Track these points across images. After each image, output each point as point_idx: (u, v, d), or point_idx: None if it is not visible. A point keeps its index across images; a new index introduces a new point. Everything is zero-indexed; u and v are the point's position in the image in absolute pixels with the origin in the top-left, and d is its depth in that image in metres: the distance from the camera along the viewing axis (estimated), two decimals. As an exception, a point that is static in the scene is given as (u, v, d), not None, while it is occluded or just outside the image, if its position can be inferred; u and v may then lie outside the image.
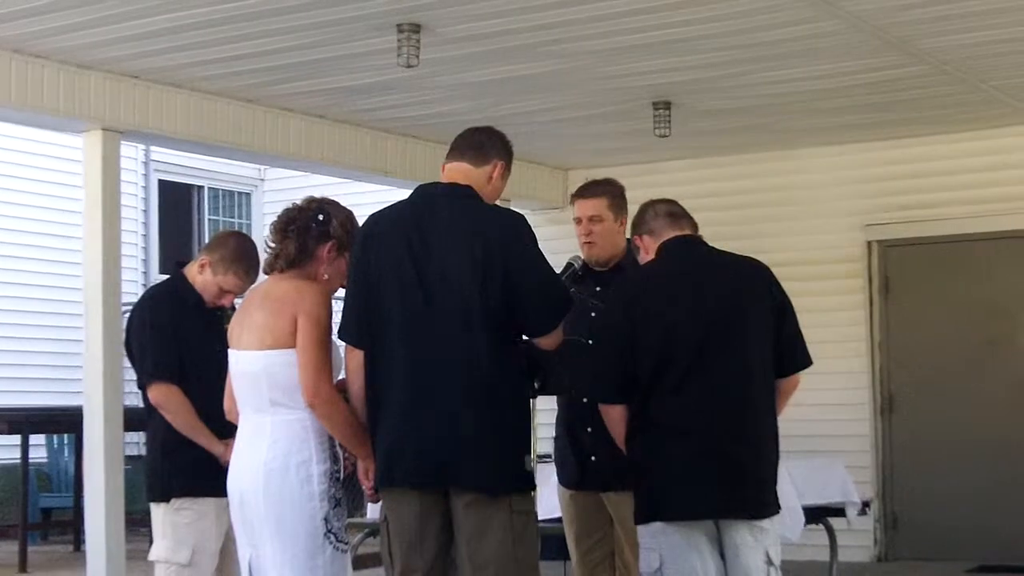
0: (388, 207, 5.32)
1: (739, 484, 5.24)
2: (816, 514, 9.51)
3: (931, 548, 11.55)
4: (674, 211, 5.60)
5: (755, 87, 9.89)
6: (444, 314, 4.99)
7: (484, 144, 5.26)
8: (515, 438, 5.06)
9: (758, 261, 5.56)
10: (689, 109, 10.41)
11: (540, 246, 5.12)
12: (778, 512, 5.37)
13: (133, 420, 6.63)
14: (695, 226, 5.62)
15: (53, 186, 14.44)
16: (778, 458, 5.39)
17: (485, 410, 4.97)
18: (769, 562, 5.29)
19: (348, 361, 5.15)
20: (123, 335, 6.94)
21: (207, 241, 6.54)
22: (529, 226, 5.14)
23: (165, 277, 6.64)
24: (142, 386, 6.20)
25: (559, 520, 6.46)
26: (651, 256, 5.57)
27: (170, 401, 6.06)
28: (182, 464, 6.05)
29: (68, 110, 9.00)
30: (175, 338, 6.09)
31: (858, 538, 11.40)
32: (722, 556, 5.25)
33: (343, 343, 5.19)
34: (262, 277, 5.53)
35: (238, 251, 6.19)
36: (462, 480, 4.97)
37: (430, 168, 5.41)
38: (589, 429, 5.90)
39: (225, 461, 5.82)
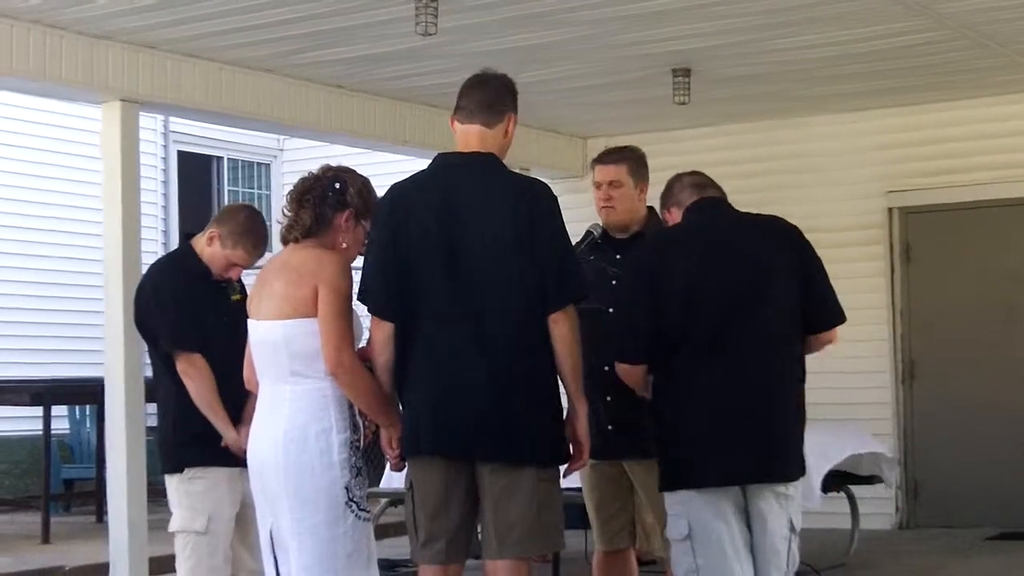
0: (410, 177, 5.29)
1: (767, 449, 5.23)
2: (837, 480, 9.51)
3: (952, 515, 11.54)
4: (699, 181, 5.59)
5: (776, 53, 9.84)
6: (474, 285, 4.99)
7: (495, 102, 5.21)
8: (544, 408, 5.05)
9: (784, 220, 5.53)
10: (709, 76, 10.37)
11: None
12: (803, 475, 5.36)
13: (153, 390, 6.63)
14: (722, 194, 5.60)
15: (73, 158, 14.45)
16: (804, 421, 5.38)
17: (514, 380, 4.97)
18: (792, 528, 5.30)
19: (375, 333, 5.14)
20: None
21: (217, 212, 6.51)
22: (556, 199, 5.12)
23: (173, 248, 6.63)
24: (164, 356, 6.20)
25: (578, 489, 6.46)
26: None
27: (199, 371, 6.07)
28: (193, 434, 6.06)
29: (86, 81, 9.00)
30: (187, 307, 6.08)
31: (879, 506, 11.41)
32: (747, 523, 5.25)
33: (363, 311, 5.17)
34: (276, 249, 5.51)
35: (247, 225, 6.18)
36: (490, 451, 4.98)
37: (448, 137, 5.36)
38: (608, 398, 5.89)
39: (236, 448, 5.83)
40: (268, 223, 6.31)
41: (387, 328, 5.10)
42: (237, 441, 5.84)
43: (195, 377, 6.06)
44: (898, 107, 11.74)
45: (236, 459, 5.50)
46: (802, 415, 5.38)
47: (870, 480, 9.97)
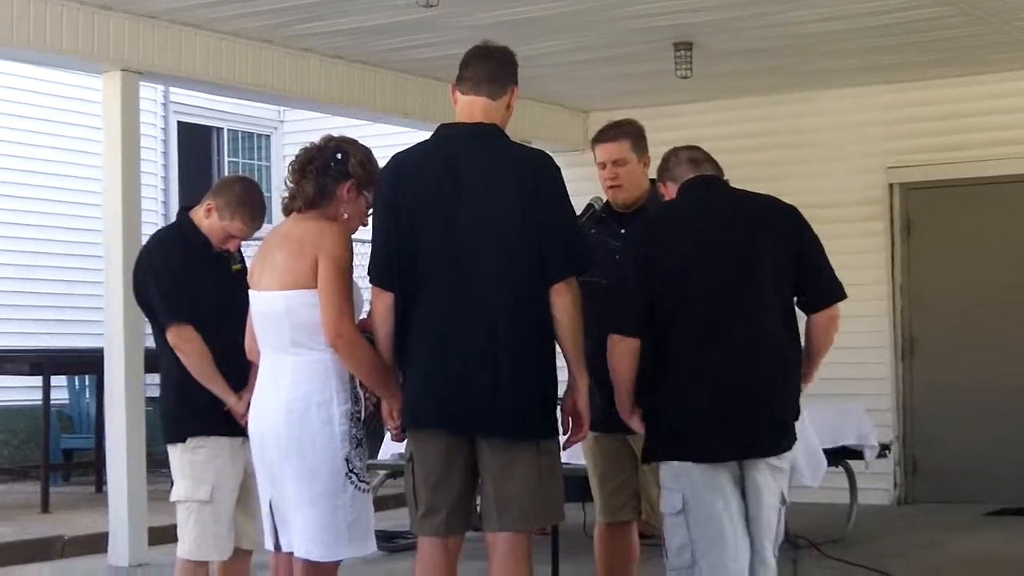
0: (412, 147, 5.27)
1: (763, 424, 5.24)
2: (836, 456, 9.52)
3: (951, 491, 11.54)
4: (695, 156, 5.58)
5: (778, 28, 9.82)
6: (476, 257, 4.98)
7: (499, 74, 5.20)
8: (543, 382, 5.05)
9: (781, 200, 5.53)
10: (711, 50, 10.35)
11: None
12: (792, 445, 5.38)
13: (154, 362, 6.63)
14: (719, 170, 5.58)
15: (72, 127, 14.43)
16: (799, 394, 5.39)
17: (515, 353, 4.97)
18: (782, 501, 5.35)
19: (376, 303, 5.13)
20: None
21: (214, 184, 6.48)
22: (559, 169, 5.12)
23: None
24: (161, 328, 6.20)
25: (579, 464, 6.46)
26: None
27: (189, 343, 6.06)
28: (196, 404, 6.05)
29: (87, 51, 8.98)
30: (186, 279, 6.07)
31: (878, 481, 11.42)
32: (742, 495, 5.26)
33: (365, 283, 5.17)
34: (279, 219, 5.51)
35: (244, 196, 6.16)
36: (490, 422, 4.98)
37: (449, 109, 5.36)
38: (614, 372, 5.88)
39: (237, 413, 5.84)
40: (268, 194, 6.30)
41: (388, 298, 5.09)
42: (239, 406, 5.84)
43: (187, 349, 6.06)
44: (900, 83, 11.72)
45: (239, 428, 5.50)
46: (797, 389, 5.39)
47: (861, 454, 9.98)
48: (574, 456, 6.32)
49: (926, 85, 11.67)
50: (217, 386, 6.00)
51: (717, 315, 5.21)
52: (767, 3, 9.18)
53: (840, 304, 5.43)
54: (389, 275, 5.09)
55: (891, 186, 11.97)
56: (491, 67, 5.20)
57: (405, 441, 5.21)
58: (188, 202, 6.56)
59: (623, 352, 5.29)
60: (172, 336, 6.07)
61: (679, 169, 5.56)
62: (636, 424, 5.38)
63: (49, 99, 14.48)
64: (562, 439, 5.20)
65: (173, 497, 6.15)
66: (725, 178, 5.60)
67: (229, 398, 5.97)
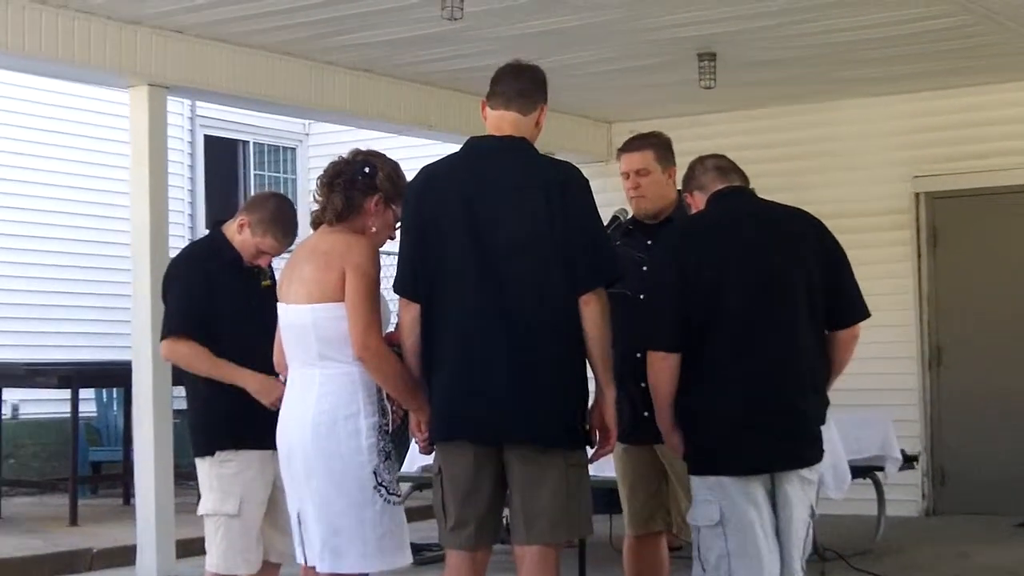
0: (441, 160, 5.29)
1: (796, 436, 5.26)
2: (863, 468, 9.50)
3: (979, 502, 11.49)
4: (722, 165, 5.58)
5: (802, 37, 9.82)
6: (504, 268, 4.98)
7: (530, 90, 5.23)
8: (572, 394, 5.05)
9: (808, 213, 5.53)
10: (734, 60, 10.35)
11: (588, 201, 5.11)
12: (822, 457, 5.40)
13: (181, 375, 6.67)
14: (745, 179, 5.58)
15: (99, 142, 14.48)
16: (826, 407, 5.40)
17: (543, 364, 4.96)
18: (812, 514, 5.36)
19: (403, 315, 5.14)
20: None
21: (247, 200, 6.52)
22: (587, 181, 5.13)
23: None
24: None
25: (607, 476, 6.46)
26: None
27: (178, 355, 6.12)
28: (224, 417, 6.07)
29: (115, 66, 9.03)
30: (209, 295, 6.09)
31: (906, 492, 11.39)
32: (774, 507, 5.27)
33: (392, 296, 5.18)
34: (306, 232, 5.53)
35: (277, 213, 6.18)
36: (516, 434, 4.98)
37: (474, 122, 5.38)
38: (643, 384, 5.84)
39: (255, 391, 5.83)
40: (295, 207, 6.31)
41: (414, 310, 5.10)
42: (263, 383, 5.83)
43: (182, 361, 6.11)
44: (925, 91, 11.69)
45: (267, 441, 5.50)
46: (825, 401, 5.40)
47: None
48: (601, 468, 6.32)
49: (951, 94, 11.65)
50: (234, 373, 5.99)
51: (749, 328, 5.21)
52: (791, 13, 9.18)
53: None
54: (415, 286, 5.10)
55: (917, 195, 11.95)
56: (522, 83, 5.23)
57: (433, 453, 5.22)
58: (216, 215, 6.60)
59: (664, 369, 5.29)
60: (162, 351, 6.15)
61: (705, 178, 5.56)
62: (675, 442, 5.38)
63: (77, 114, 14.54)
64: (590, 451, 5.20)
65: (201, 511, 6.16)
66: (751, 187, 5.61)
67: (242, 378, 5.97)
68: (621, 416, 5.27)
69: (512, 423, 4.98)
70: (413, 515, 10.41)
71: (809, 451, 5.33)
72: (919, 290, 11.91)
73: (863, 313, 5.42)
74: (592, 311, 5.01)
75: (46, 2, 8.51)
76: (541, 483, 4.98)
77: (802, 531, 5.30)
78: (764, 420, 5.19)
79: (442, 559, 5.31)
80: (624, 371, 5.41)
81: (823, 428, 5.39)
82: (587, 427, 5.12)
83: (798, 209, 5.56)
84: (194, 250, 6.56)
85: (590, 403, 5.15)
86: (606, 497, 6.55)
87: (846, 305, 5.39)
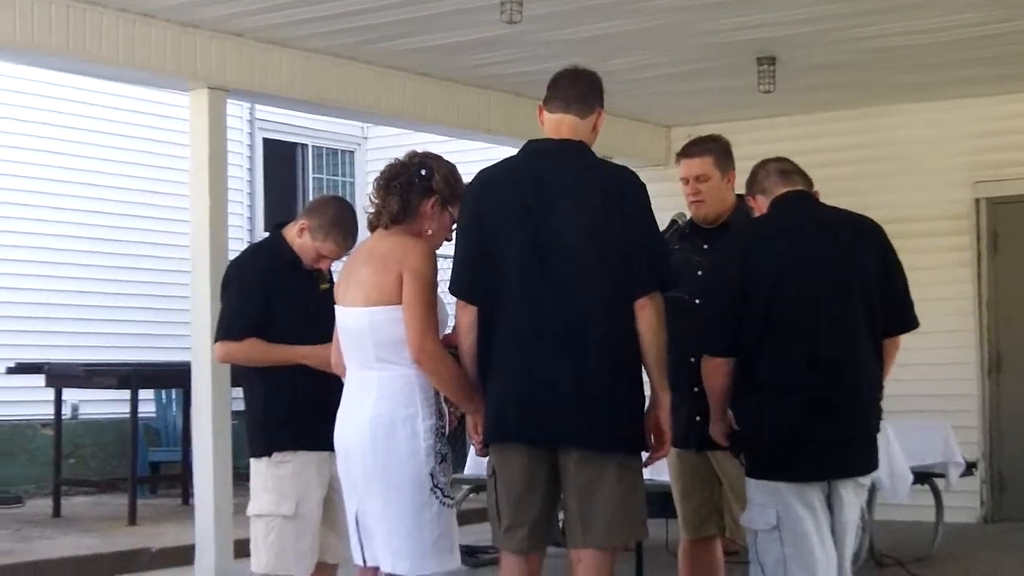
0: (498, 163, 5.31)
1: (853, 443, 5.28)
2: (921, 475, 9.44)
3: (1039, 509, 11.42)
4: (785, 168, 5.56)
5: (862, 41, 9.77)
6: (562, 271, 4.99)
7: (588, 94, 5.24)
8: (627, 398, 5.05)
9: (870, 219, 5.51)
10: (794, 64, 10.31)
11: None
12: (877, 466, 5.41)
13: (239, 376, 6.71)
14: (809, 182, 5.57)
15: (159, 144, 14.58)
16: (881, 415, 5.39)
17: (599, 367, 4.96)
18: (862, 517, 5.38)
19: (460, 317, 5.16)
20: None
21: (308, 204, 6.54)
22: (644, 185, 5.12)
23: (267, 235, 6.69)
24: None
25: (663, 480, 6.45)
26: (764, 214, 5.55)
27: (233, 354, 6.18)
28: (282, 418, 6.09)
29: (175, 69, 9.08)
30: (266, 298, 6.12)
31: (964, 499, 11.29)
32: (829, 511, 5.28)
33: (450, 298, 5.19)
34: (364, 234, 5.55)
35: (337, 218, 6.20)
36: (572, 437, 4.98)
37: (532, 125, 5.38)
38: (696, 389, 5.84)
39: (315, 363, 5.86)
40: (355, 212, 6.33)
41: (471, 312, 5.12)
42: (319, 352, 5.84)
43: (240, 359, 6.14)
44: (985, 96, 11.60)
45: (324, 443, 5.51)
46: (880, 409, 5.40)
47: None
48: (657, 472, 6.31)
49: (1012, 99, 11.55)
50: (285, 353, 6.03)
51: (809, 334, 5.21)
52: (851, 16, 9.13)
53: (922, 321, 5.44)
54: (473, 289, 5.12)
55: (977, 200, 11.86)
56: (580, 87, 5.24)
57: (487, 457, 5.23)
58: (275, 218, 6.63)
59: (718, 374, 5.31)
60: (216, 353, 6.20)
61: (768, 181, 5.55)
62: (719, 437, 5.39)
63: (137, 116, 14.64)
64: (644, 455, 5.20)
65: (253, 511, 6.14)
66: (815, 190, 5.59)
67: (305, 352, 6.00)
68: (675, 420, 5.26)
69: (568, 427, 4.98)
70: (470, 517, 10.48)
71: (867, 459, 5.35)
72: (979, 296, 11.81)
73: (913, 322, 5.41)
74: (648, 315, 5.00)
75: (107, 5, 8.57)
76: (596, 487, 4.98)
77: (853, 534, 5.35)
78: (823, 427, 5.19)
79: (497, 561, 5.32)
80: (678, 375, 5.40)
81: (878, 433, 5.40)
82: (642, 431, 5.11)
83: (860, 215, 5.54)
84: (254, 253, 6.60)
85: (645, 407, 5.15)
86: (662, 501, 6.55)
87: (898, 314, 5.37)
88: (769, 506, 5.24)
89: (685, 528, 6.34)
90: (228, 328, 6.16)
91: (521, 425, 5.03)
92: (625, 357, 5.03)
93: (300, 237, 6.19)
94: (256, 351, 6.09)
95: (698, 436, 5.92)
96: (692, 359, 5.71)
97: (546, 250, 5.02)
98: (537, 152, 5.23)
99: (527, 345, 5.01)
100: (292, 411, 6.05)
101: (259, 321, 6.08)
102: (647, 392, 5.15)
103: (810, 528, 5.21)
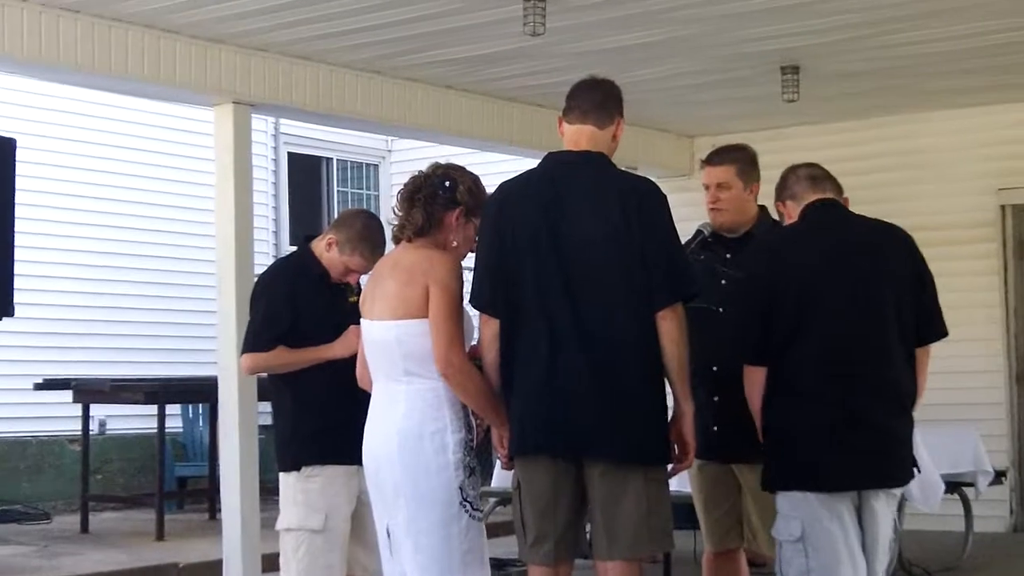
0: (520, 175, 5.31)
1: (885, 453, 5.22)
2: (950, 484, 9.40)
3: (1068, 518, 11.36)
4: (815, 174, 5.54)
5: (886, 49, 9.75)
6: (583, 283, 4.99)
7: (607, 104, 5.24)
8: (651, 408, 5.04)
9: (899, 227, 5.49)
10: (818, 73, 10.29)
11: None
12: (910, 479, 5.35)
13: (266, 390, 6.72)
14: (839, 189, 5.54)
15: (184, 159, 14.63)
16: (913, 423, 5.35)
17: (622, 378, 4.96)
18: (895, 528, 5.33)
19: (483, 330, 5.16)
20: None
21: (336, 217, 6.56)
22: (665, 197, 5.12)
23: (294, 249, 6.70)
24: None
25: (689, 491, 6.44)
26: (794, 220, 5.53)
27: (259, 364, 6.20)
28: (310, 432, 6.10)
29: (200, 84, 9.12)
30: (293, 311, 6.13)
31: (993, 508, 11.25)
32: (860, 523, 5.23)
33: (474, 311, 5.19)
34: (390, 247, 5.55)
35: (365, 232, 6.21)
36: (597, 449, 4.97)
37: (555, 137, 5.39)
38: (716, 399, 5.84)
39: (342, 354, 5.87)
40: (383, 225, 6.34)
41: (494, 325, 5.12)
42: (343, 342, 5.87)
43: (265, 362, 6.16)
44: (1010, 103, 11.57)
45: (353, 456, 5.50)
46: (912, 420, 5.37)
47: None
48: (683, 483, 6.30)
49: (1037, 106, 11.54)
50: (310, 355, 6.06)
51: (838, 343, 5.18)
52: (874, 25, 9.12)
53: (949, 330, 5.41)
54: (495, 302, 5.12)
55: (1003, 207, 11.82)
56: (598, 97, 5.24)
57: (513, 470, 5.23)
58: (303, 232, 6.65)
59: (755, 382, 5.28)
60: (243, 364, 6.22)
61: (798, 187, 5.53)
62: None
63: (161, 131, 14.67)
64: (669, 466, 5.19)
65: (282, 525, 6.15)
66: (845, 196, 5.56)
67: (331, 349, 6.01)
68: (700, 431, 5.25)
69: (592, 438, 4.97)
70: (497, 530, 10.47)
71: (898, 471, 5.28)
72: (1006, 303, 11.77)
73: (942, 332, 5.38)
74: (669, 326, 4.99)
75: (132, 22, 8.61)
76: (622, 498, 4.97)
77: (887, 547, 5.28)
78: (850, 437, 5.15)
79: (525, 574, 5.30)
80: (699, 384, 5.39)
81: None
82: (667, 442, 5.10)
83: (889, 224, 5.51)
84: (282, 266, 6.62)
85: (669, 417, 5.14)
86: (688, 512, 6.53)
87: (927, 323, 5.35)
88: (794, 517, 5.21)
89: (708, 540, 6.32)
90: (256, 340, 6.18)
91: (545, 438, 5.03)
92: (647, 368, 5.02)
93: (328, 251, 6.21)
94: (283, 358, 6.11)
95: (720, 448, 5.91)
96: (715, 368, 5.70)
97: (566, 262, 5.01)
98: (556, 164, 5.23)
99: (549, 357, 5.00)
100: (321, 425, 6.05)
101: (286, 332, 6.10)
102: (670, 403, 5.14)
103: (838, 541, 5.16)
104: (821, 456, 5.18)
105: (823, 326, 5.20)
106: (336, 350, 6.00)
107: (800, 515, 5.19)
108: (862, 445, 5.17)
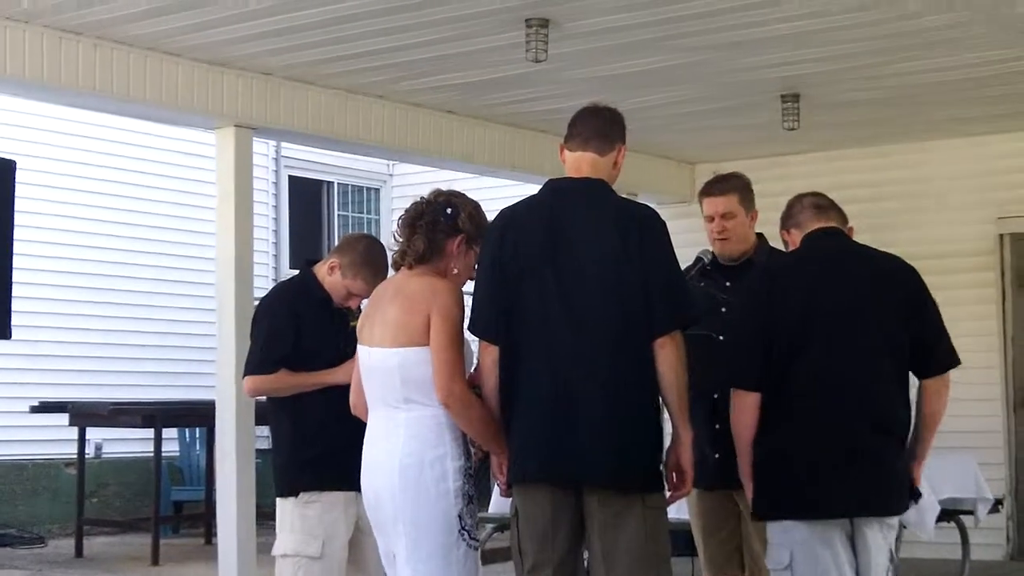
0: (520, 202, 5.30)
1: (877, 481, 5.20)
2: (947, 512, 9.39)
3: (1066, 547, 11.34)
4: (820, 203, 5.55)
5: (887, 78, 9.77)
6: (583, 310, 4.97)
7: (608, 131, 5.23)
8: (649, 436, 5.02)
9: (901, 258, 5.49)
10: (818, 101, 10.31)
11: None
12: (906, 509, 5.34)
13: (264, 414, 6.71)
14: (843, 218, 5.55)
15: (184, 182, 14.65)
16: (911, 459, 5.34)
17: (621, 406, 4.94)
18: (891, 559, 5.30)
19: (483, 357, 5.14)
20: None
21: (338, 241, 6.57)
22: (664, 224, 5.11)
23: (295, 273, 6.71)
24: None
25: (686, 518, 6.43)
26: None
27: (261, 388, 6.18)
28: (309, 458, 6.08)
29: (201, 107, 9.13)
30: (295, 334, 6.13)
31: (990, 536, 11.23)
32: (853, 552, 5.21)
33: (474, 338, 5.19)
34: (389, 272, 5.54)
35: (366, 256, 6.21)
36: (596, 476, 4.96)
37: (557, 163, 5.40)
38: (717, 426, 5.84)
39: (344, 380, 5.80)
40: (385, 249, 6.34)
41: (494, 352, 5.10)
42: (346, 369, 5.82)
43: (267, 384, 6.14)
44: (1008, 133, 11.59)
45: (351, 483, 5.49)
46: (907, 451, 5.36)
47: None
48: (681, 510, 6.30)
49: (1035, 136, 11.56)
50: (312, 379, 6.05)
51: (830, 372, 5.18)
52: (874, 54, 9.14)
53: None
54: (495, 329, 5.10)
55: (1001, 236, 11.84)
56: (599, 123, 5.23)
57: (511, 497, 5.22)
58: (301, 256, 6.65)
59: (746, 408, 5.27)
60: (245, 386, 6.20)
61: (803, 216, 5.53)
62: (748, 488, 5.35)
63: (160, 153, 14.71)
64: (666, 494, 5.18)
65: (278, 551, 6.11)
66: (849, 225, 5.57)
67: (334, 374, 6.01)
68: (699, 458, 5.24)
69: (591, 466, 4.95)
70: (495, 556, 10.44)
71: (892, 500, 5.26)
72: (1004, 332, 11.78)
73: (954, 361, 5.37)
74: (668, 354, 4.97)
75: (134, 45, 8.63)
76: (620, 526, 4.95)
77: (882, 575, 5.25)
78: (841, 463, 5.14)
79: (522, 602, 5.28)
80: (700, 411, 5.38)
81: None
82: (665, 470, 5.10)
83: (891, 255, 5.51)
84: (284, 289, 6.61)
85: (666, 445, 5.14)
86: (687, 539, 6.52)
87: (936, 353, 5.34)
88: (783, 545, 5.21)
89: (707, 568, 6.32)
90: (258, 363, 6.17)
91: (544, 465, 5.01)
92: (646, 396, 5.00)
93: (330, 275, 6.21)
94: (285, 381, 6.10)
95: (720, 475, 5.91)
96: (715, 395, 5.70)
97: (566, 290, 5.00)
98: (556, 191, 5.22)
99: (548, 384, 4.99)
100: (320, 451, 6.04)
101: (288, 355, 6.09)
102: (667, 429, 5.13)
103: (829, 568, 5.15)
104: (809, 483, 5.17)
105: (815, 355, 5.19)
106: (339, 375, 5.97)
107: (788, 543, 5.19)
108: (853, 473, 5.16)
